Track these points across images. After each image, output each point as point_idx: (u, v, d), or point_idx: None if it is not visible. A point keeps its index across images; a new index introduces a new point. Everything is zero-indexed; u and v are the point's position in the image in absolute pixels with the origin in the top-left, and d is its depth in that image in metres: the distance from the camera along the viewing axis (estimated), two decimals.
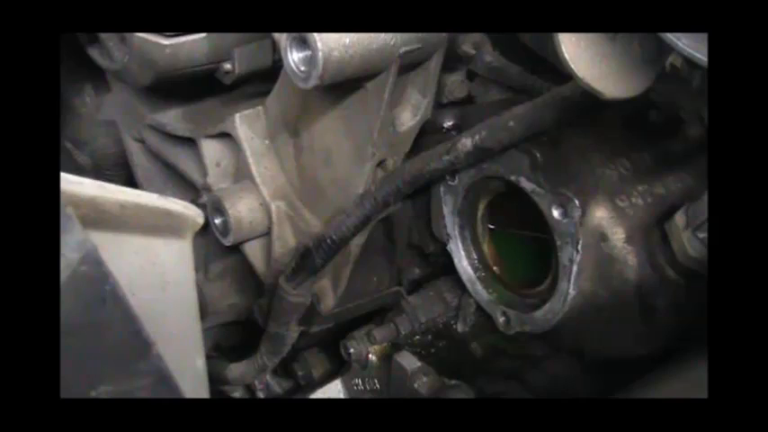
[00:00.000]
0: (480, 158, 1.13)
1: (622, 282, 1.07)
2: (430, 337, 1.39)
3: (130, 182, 1.65)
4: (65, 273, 0.64)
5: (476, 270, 1.29)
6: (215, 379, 1.32)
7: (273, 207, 1.32)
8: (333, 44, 1.00)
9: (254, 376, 1.46)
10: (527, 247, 1.25)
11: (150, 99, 1.53)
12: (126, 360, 0.71)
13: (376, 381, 1.38)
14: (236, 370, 1.44)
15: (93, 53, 1.42)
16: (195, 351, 0.97)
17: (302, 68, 1.04)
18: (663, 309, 1.08)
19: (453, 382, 1.25)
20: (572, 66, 0.82)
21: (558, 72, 0.92)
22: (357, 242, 1.27)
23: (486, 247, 1.29)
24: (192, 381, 0.94)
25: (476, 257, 1.29)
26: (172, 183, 1.60)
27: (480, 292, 1.28)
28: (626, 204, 1.07)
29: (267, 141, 1.34)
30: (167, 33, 1.27)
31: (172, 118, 1.49)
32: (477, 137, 1.08)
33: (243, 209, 1.31)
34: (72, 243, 0.65)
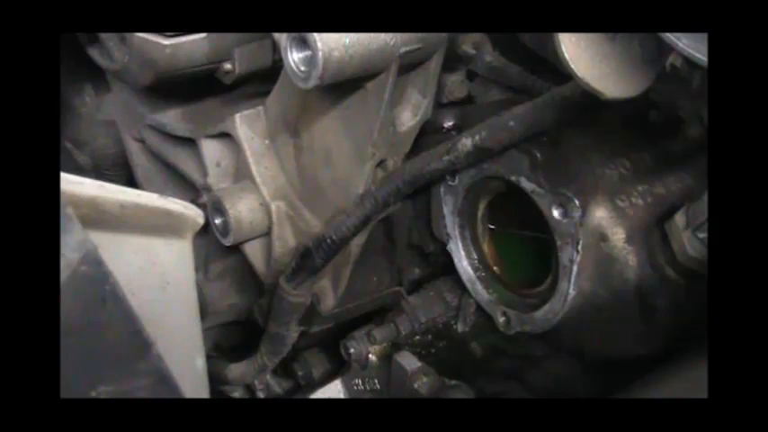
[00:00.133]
0: (480, 158, 1.13)
1: (622, 282, 1.07)
2: (430, 337, 1.39)
3: (130, 182, 1.65)
4: (65, 273, 0.64)
5: (476, 270, 1.29)
6: (215, 379, 1.32)
7: (273, 207, 1.32)
8: (333, 44, 1.00)
9: (254, 376, 1.46)
10: (527, 247, 1.25)
11: (150, 99, 1.53)
12: (126, 360, 0.71)
13: (376, 381, 1.38)
14: (236, 370, 1.44)
15: (93, 53, 1.42)
16: (195, 351, 0.97)
17: (302, 68, 1.04)
18: (663, 309, 1.08)
19: (453, 382, 1.25)
20: (572, 66, 0.82)
21: (558, 72, 0.92)
22: (357, 242, 1.27)
23: (486, 247, 1.29)
24: (192, 381, 0.94)
25: (476, 257, 1.29)
26: (172, 183, 1.60)
27: (480, 292, 1.28)
28: (626, 204, 1.07)
29: (267, 141, 1.34)
30: (167, 33, 1.27)
31: (172, 118, 1.49)
32: (477, 137, 1.08)
33: (243, 209, 1.31)
34: (72, 243, 0.65)
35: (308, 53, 1.02)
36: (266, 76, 1.35)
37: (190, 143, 1.45)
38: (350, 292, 1.34)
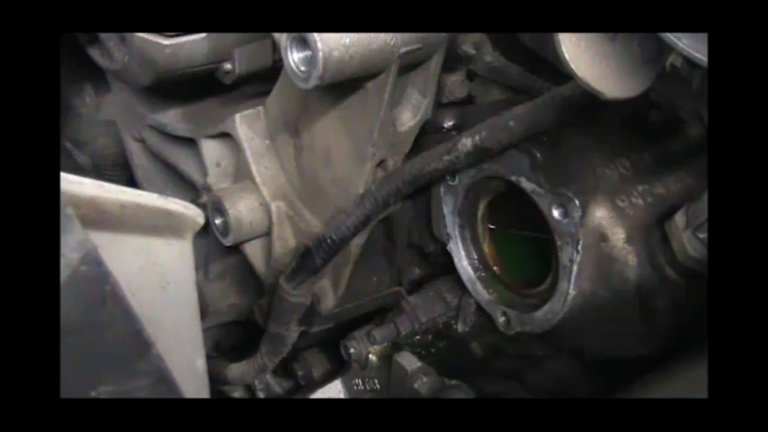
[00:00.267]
0: (480, 158, 1.13)
1: (622, 282, 1.07)
2: (430, 337, 1.39)
3: (130, 182, 1.65)
4: (65, 273, 0.64)
5: (476, 270, 1.29)
6: (215, 379, 1.32)
7: (273, 207, 1.32)
8: (333, 44, 1.00)
9: (254, 376, 1.46)
10: (527, 247, 1.25)
11: (150, 99, 1.53)
12: (126, 360, 0.71)
13: (376, 381, 1.38)
14: (236, 370, 1.44)
15: (94, 53, 1.42)
16: (195, 351, 0.97)
17: (302, 68, 1.04)
18: (663, 309, 1.08)
19: (453, 382, 1.25)
20: (572, 66, 0.82)
21: (558, 72, 0.92)
22: (357, 242, 1.27)
23: (486, 247, 1.29)
24: (192, 381, 0.94)
25: (476, 257, 1.29)
26: (172, 183, 1.60)
27: (480, 292, 1.28)
28: (626, 204, 1.07)
29: (267, 141, 1.34)
30: (167, 33, 1.27)
31: (172, 118, 1.49)
32: (477, 137, 1.08)
33: (243, 209, 1.31)
34: (72, 243, 0.65)
35: (308, 53, 1.02)
36: (266, 76, 1.35)
37: (190, 143, 1.45)
38: (350, 292, 1.34)
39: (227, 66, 1.36)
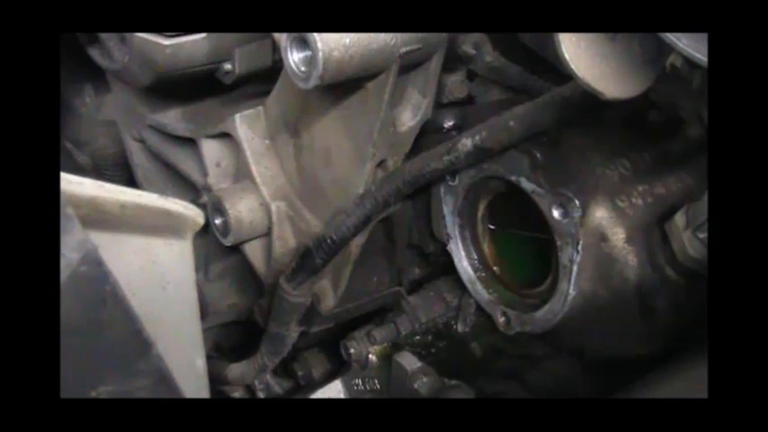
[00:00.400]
0: (480, 158, 1.13)
1: (622, 282, 1.07)
2: (430, 337, 1.39)
3: (130, 182, 1.65)
4: (65, 273, 0.64)
5: (476, 270, 1.29)
6: (215, 379, 1.32)
7: (273, 207, 1.32)
8: (333, 44, 1.00)
9: (254, 376, 1.46)
10: (527, 248, 1.25)
11: (150, 99, 1.53)
12: (126, 360, 0.71)
13: (376, 381, 1.38)
14: (236, 370, 1.44)
15: (94, 53, 1.42)
16: (195, 351, 0.97)
17: (302, 68, 1.04)
18: (663, 309, 1.08)
19: (453, 382, 1.25)
20: (572, 66, 0.82)
21: (558, 72, 0.92)
22: (357, 242, 1.27)
23: (486, 247, 1.29)
24: (192, 381, 0.93)
25: (476, 257, 1.29)
26: (172, 183, 1.60)
27: (480, 292, 1.28)
28: (626, 204, 1.07)
29: (267, 141, 1.34)
30: (167, 33, 1.27)
31: (172, 118, 1.49)
32: (477, 137, 1.08)
33: (243, 209, 1.31)
34: (72, 243, 0.65)
35: (308, 53, 1.02)
36: (266, 76, 1.35)
37: (190, 143, 1.45)
38: (350, 292, 1.34)
39: (227, 66, 1.36)
